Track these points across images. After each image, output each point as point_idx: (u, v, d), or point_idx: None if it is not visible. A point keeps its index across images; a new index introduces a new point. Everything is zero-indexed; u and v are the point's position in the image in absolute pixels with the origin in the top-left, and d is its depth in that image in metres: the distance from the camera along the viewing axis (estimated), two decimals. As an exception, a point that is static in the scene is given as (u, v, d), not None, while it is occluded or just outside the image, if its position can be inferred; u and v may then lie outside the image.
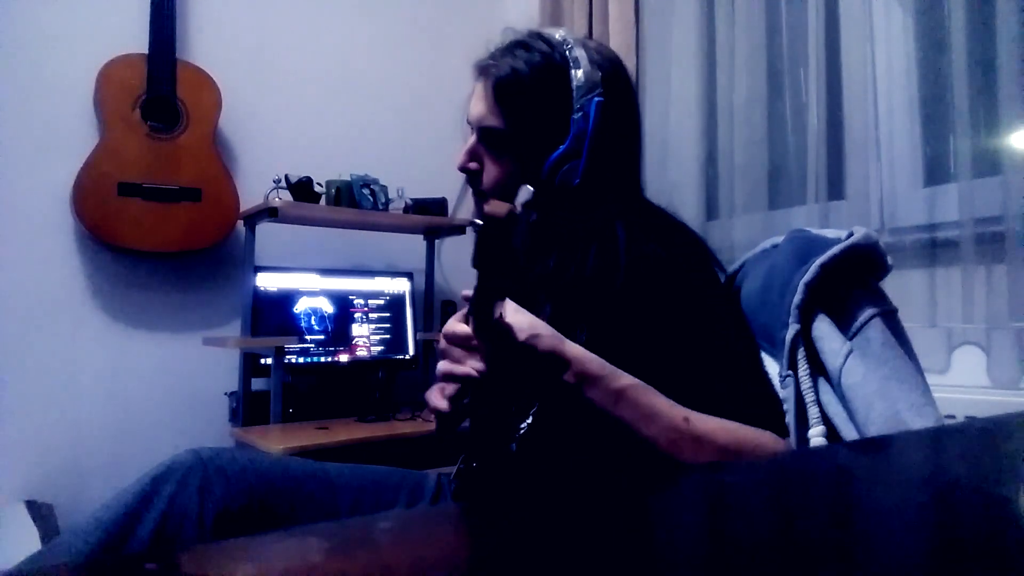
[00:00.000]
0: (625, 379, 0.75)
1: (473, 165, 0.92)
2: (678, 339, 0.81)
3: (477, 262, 0.61)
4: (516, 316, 0.73)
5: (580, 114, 0.87)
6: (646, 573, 0.26)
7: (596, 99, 0.88)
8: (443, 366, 0.79)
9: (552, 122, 0.88)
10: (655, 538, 0.31)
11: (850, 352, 0.78)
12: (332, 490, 0.92)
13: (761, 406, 0.80)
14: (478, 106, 0.91)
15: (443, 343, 0.78)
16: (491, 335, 0.70)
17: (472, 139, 0.92)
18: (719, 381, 0.79)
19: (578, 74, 0.88)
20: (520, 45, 0.91)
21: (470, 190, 0.96)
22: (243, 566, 0.27)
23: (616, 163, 0.92)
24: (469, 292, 0.67)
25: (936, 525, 0.33)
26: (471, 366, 0.76)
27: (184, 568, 0.27)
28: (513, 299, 0.74)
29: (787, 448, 0.77)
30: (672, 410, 0.75)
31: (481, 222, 0.59)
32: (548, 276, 0.88)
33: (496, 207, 0.59)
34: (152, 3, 1.91)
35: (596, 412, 0.74)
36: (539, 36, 0.92)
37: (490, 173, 0.91)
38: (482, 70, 0.91)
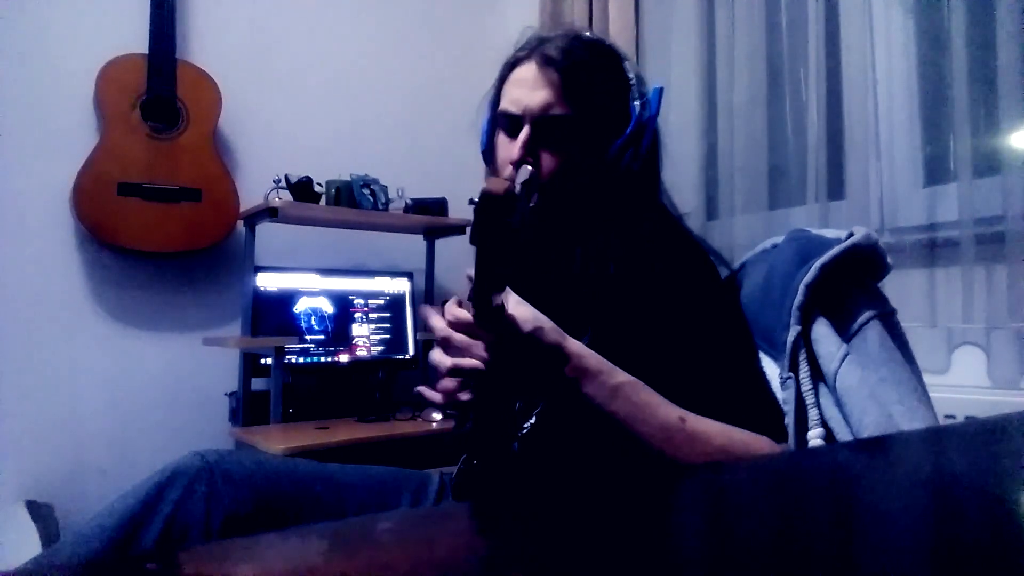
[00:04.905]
0: (622, 376, 0.75)
1: (530, 159, 0.88)
2: (679, 341, 0.81)
3: (474, 239, 0.60)
4: (519, 308, 0.72)
5: (639, 101, 0.90)
6: (647, 573, 0.26)
7: (659, 86, 0.91)
8: (448, 359, 0.74)
9: (615, 109, 0.89)
10: (656, 538, 0.31)
11: (846, 355, 0.78)
12: (338, 492, 0.92)
13: (759, 410, 0.80)
14: (539, 95, 0.86)
15: (444, 328, 0.74)
16: (492, 322, 0.69)
17: (526, 131, 0.87)
18: (718, 384, 0.79)
19: (629, 64, 0.91)
20: (574, 37, 0.90)
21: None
22: (243, 566, 0.27)
23: (657, 154, 0.95)
24: (471, 271, 0.66)
25: (936, 525, 0.33)
26: (477, 357, 0.72)
27: (185, 568, 0.27)
28: (516, 288, 0.73)
29: (783, 452, 0.77)
30: (668, 409, 0.75)
31: (477, 199, 0.59)
32: (570, 272, 0.88)
33: (494, 184, 0.59)
34: (152, 3, 1.90)
35: (592, 408, 0.74)
36: (579, 32, 0.93)
37: (549, 163, 0.87)
38: (544, 59, 0.87)
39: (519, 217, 0.61)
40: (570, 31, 0.92)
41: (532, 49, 0.89)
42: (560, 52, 0.87)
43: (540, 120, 0.87)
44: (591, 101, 0.87)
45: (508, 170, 0.87)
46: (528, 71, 0.88)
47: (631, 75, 0.91)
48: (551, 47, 0.88)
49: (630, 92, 0.90)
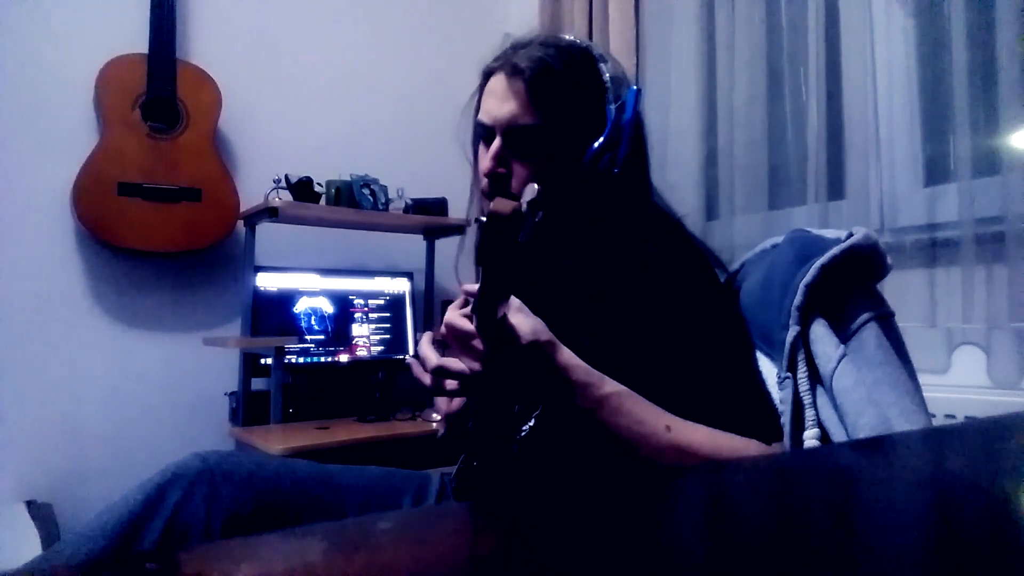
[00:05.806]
0: (609, 386, 0.75)
1: (502, 169, 0.89)
2: (672, 342, 0.81)
3: (481, 259, 0.61)
4: (518, 317, 0.72)
5: (615, 104, 0.89)
6: (646, 573, 0.26)
7: (634, 88, 0.90)
8: (435, 358, 0.77)
9: (588, 114, 0.88)
10: (655, 538, 0.31)
11: (843, 356, 0.78)
12: (339, 493, 0.92)
13: (752, 413, 0.80)
14: (507, 106, 0.87)
15: (444, 331, 0.76)
16: (494, 335, 0.70)
17: (497, 142, 0.88)
18: (710, 387, 0.79)
19: (605, 66, 0.90)
20: (545, 44, 0.90)
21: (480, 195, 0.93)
22: (243, 566, 0.27)
23: (642, 156, 0.93)
24: (470, 287, 0.67)
25: (936, 525, 0.33)
26: (467, 364, 0.74)
27: (185, 568, 0.27)
28: (517, 295, 0.74)
29: (782, 452, 0.77)
30: (656, 418, 0.75)
31: (485, 219, 0.59)
32: (561, 277, 0.88)
33: (501, 205, 0.59)
34: (152, 3, 1.90)
35: (581, 417, 0.74)
36: (553, 37, 0.92)
37: (521, 174, 0.87)
38: (511, 69, 0.87)
39: (525, 235, 0.62)
40: (542, 36, 0.91)
41: (504, 59, 0.89)
42: (528, 61, 0.87)
43: (509, 130, 0.87)
44: (561, 109, 0.87)
45: (484, 181, 0.89)
46: (498, 82, 0.89)
47: (607, 78, 0.90)
48: (520, 56, 0.88)
49: (605, 95, 0.89)
